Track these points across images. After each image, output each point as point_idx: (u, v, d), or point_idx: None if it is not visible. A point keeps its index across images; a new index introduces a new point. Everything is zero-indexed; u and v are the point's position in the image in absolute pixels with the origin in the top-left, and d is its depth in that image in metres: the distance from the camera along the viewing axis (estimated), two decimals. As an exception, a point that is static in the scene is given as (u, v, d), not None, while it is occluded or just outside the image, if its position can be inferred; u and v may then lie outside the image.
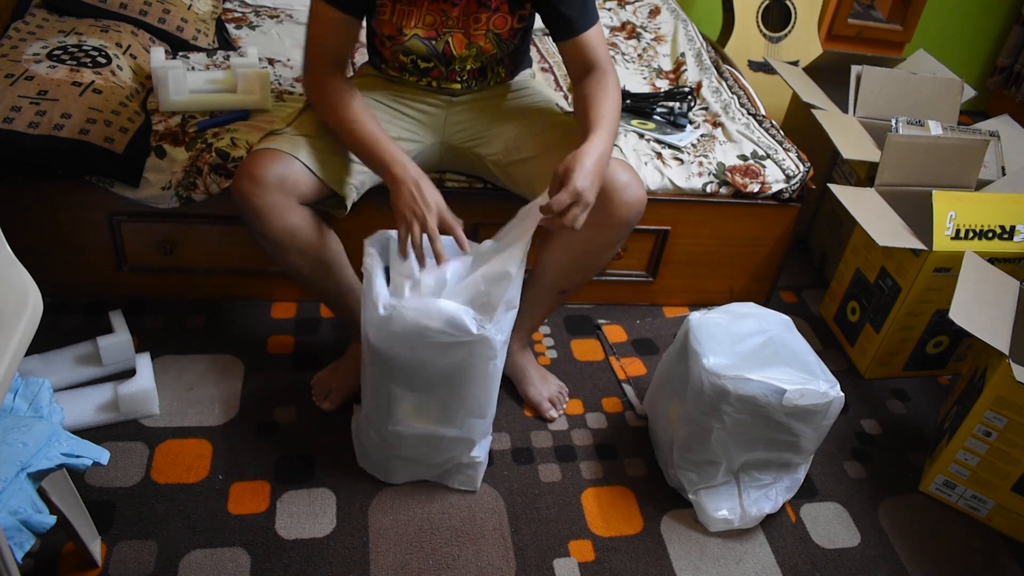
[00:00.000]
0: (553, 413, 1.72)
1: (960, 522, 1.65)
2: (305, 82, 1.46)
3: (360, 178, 1.52)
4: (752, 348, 1.49)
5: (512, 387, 1.77)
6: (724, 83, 2.28)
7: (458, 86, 1.58)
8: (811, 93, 2.27)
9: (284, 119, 1.55)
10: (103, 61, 1.77)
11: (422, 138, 1.61)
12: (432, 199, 1.37)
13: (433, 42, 1.48)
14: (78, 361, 1.65)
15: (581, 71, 1.47)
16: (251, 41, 2.17)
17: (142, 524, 1.41)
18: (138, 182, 1.67)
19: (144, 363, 1.61)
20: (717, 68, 2.36)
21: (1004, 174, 2.12)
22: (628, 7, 2.68)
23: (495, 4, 1.44)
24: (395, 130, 1.56)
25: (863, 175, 2.10)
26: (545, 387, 1.75)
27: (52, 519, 1.10)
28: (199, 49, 2.05)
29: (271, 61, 2.06)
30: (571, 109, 1.66)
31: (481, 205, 1.78)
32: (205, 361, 1.74)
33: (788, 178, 1.93)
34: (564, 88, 2.15)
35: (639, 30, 2.56)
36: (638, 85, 2.26)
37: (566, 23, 1.43)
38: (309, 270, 1.52)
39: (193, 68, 1.95)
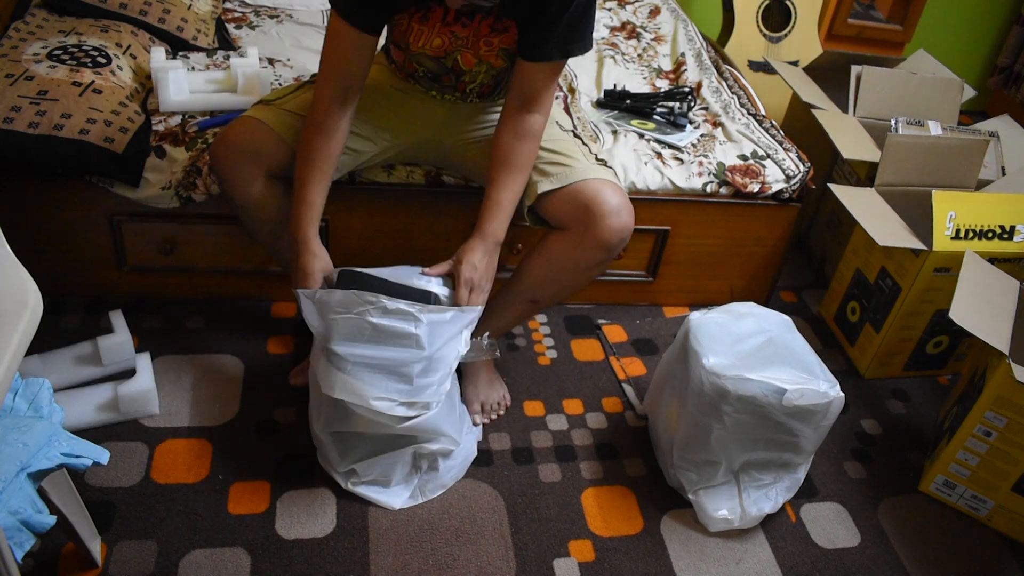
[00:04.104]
0: (478, 419, 1.69)
1: (960, 522, 1.65)
2: (313, 100, 1.44)
3: (342, 158, 1.52)
4: (752, 348, 1.49)
5: (512, 387, 1.77)
6: (724, 83, 2.28)
7: (461, 100, 1.58)
8: (811, 93, 2.27)
9: (279, 91, 1.57)
10: (103, 61, 1.77)
11: (420, 132, 1.60)
12: (314, 268, 1.41)
13: (442, 60, 1.48)
14: (78, 361, 1.65)
15: (521, 97, 1.44)
16: (251, 41, 2.17)
17: (142, 524, 1.41)
18: (138, 182, 1.67)
19: (144, 363, 1.61)
20: (717, 68, 2.36)
21: (1004, 174, 2.12)
22: (628, 7, 2.68)
23: (504, 25, 1.43)
24: (395, 120, 1.57)
25: (863, 175, 2.10)
26: (486, 391, 1.71)
27: (52, 519, 1.10)
28: (199, 49, 2.05)
29: (271, 61, 2.06)
30: (570, 127, 1.65)
31: (477, 203, 1.78)
32: (205, 361, 1.74)
33: (788, 178, 1.93)
34: (564, 89, 2.14)
35: (639, 30, 2.56)
36: (638, 85, 2.26)
37: (539, 46, 1.39)
38: (274, 240, 1.57)
39: (193, 68, 1.95)
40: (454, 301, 1.41)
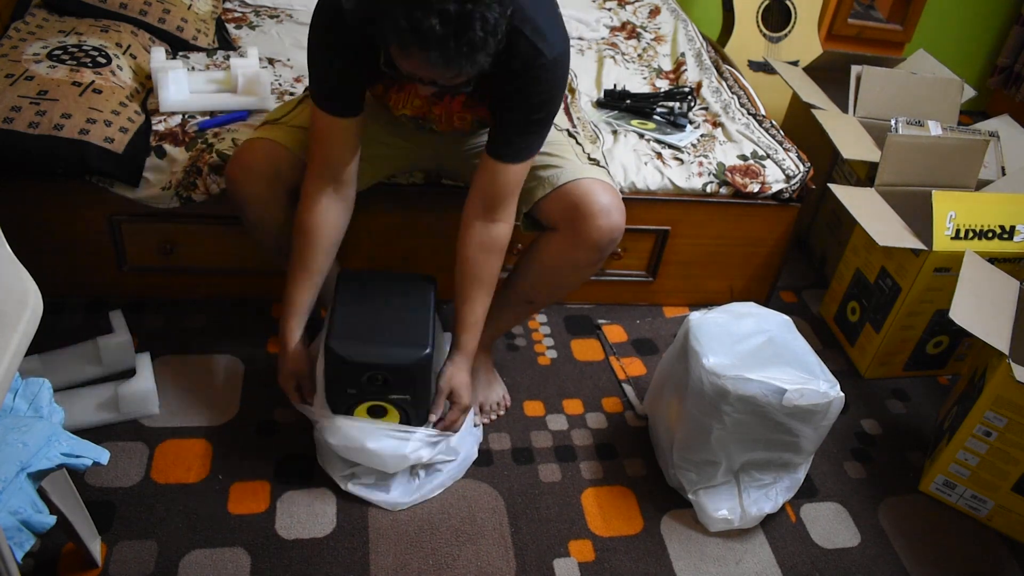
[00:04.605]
0: (478, 420, 1.69)
1: (960, 522, 1.65)
2: (302, 191, 1.43)
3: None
4: (752, 348, 1.49)
5: (512, 387, 1.77)
6: (724, 83, 2.28)
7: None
8: (811, 93, 2.27)
9: (283, 108, 1.56)
10: (103, 61, 1.77)
11: (417, 148, 1.60)
12: (286, 370, 1.48)
13: (419, 120, 1.48)
14: (78, 361, 1.65)
15: (484, 201, 1.41)
16: (251, 41, 2.17)
17: (142, 524, 1.41)
18: (138, 182, 1.67)
19: (144, 363, 1.61)
20: (717, 68, 2.36)
21: (1004, 174, 2.12)
22: (628, 7, 2.68)
23: (475, 102, 1.42)
24: (393, 136, 1.57)
25: (863, 175, 2.10)
26: (484, 392, 1.70)
27: (52, 519, 1.10)
28: (199, 49, 2.05)
29: (271, 61, 2.06)
30: (567, 126, 1.64)
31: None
32: (205, 361, 1.74)
33: (788, 178, 1.93)
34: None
35: (639, 30, 2.56)
36: (638, 85, 2.26)
37: (505, 146, 1.37)
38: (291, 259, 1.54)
39: (193, 68, 1.95)
40: (444, 423, 1.49)
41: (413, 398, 1.42)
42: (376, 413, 1.45)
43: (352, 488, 1.49)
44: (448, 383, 1.47)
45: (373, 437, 1.43)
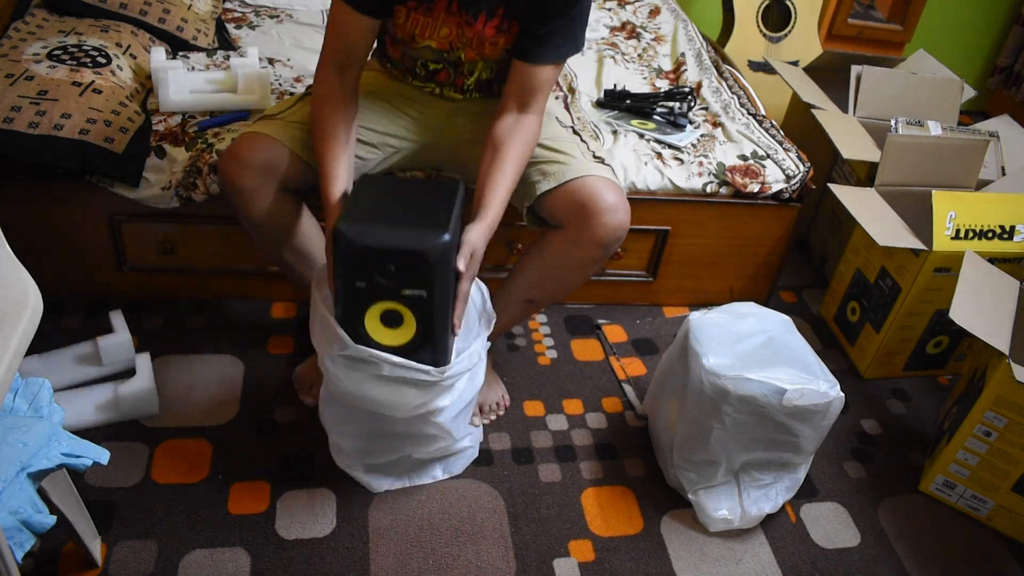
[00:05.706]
0: (477, 420, 1.68)
1: (960, 522, 1.65)
2: (315, 75, 1.44)
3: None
4: (752, 348, 1.49)
5: (512, 387, 1.77)
6: (724, 83, 2.28)
7: (460, 96, 1.57)
8: (811, 93, 2.27)
9: (282, 104, 1.56)
10: (103, 61, 1.77)
11: (418, 138, 1.60)
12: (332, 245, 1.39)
13: (445, 54, 1.48)
14: (78, 361, 1.65)
15: (517, 96, 1.43)
16: (251, 41, 2.17)
17: (142, 524, 1.41)
18: (138, 182, 1.67)
19: (144, 363, 1.61)
20: (717, 68, 2.36)
21: (1004, 174, 2.12)
22: (628, 7, 2.68)
23: (508, 24, 1.43)
24: (392, 127, 1.56)
25: (863, 175, 2.10)
26: (484, 392, 1.69)
27: (52, 519, 1.10)
28: (199, 49, 2.05)
29: (271, 61, 2.06)
30: (569, 123, 1.64)
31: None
32: (205, 361, 1.74)
33: (788, 178, 1.93)
34: (564, 89, 2.14)
35: (639, 30, 2.56)
36: (638, 85, 2.26)
37: (539, 47, 1.40)
38: (286, 255, 1.55)
39: (193, 68, 1.95)
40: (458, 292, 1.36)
41: (431, 296, 1.25)
42: (390, 321, 1.29)
43: (349, 470, 1.50)
44: (473, 243, 1.32)
45: (384, 383, 1.34)
